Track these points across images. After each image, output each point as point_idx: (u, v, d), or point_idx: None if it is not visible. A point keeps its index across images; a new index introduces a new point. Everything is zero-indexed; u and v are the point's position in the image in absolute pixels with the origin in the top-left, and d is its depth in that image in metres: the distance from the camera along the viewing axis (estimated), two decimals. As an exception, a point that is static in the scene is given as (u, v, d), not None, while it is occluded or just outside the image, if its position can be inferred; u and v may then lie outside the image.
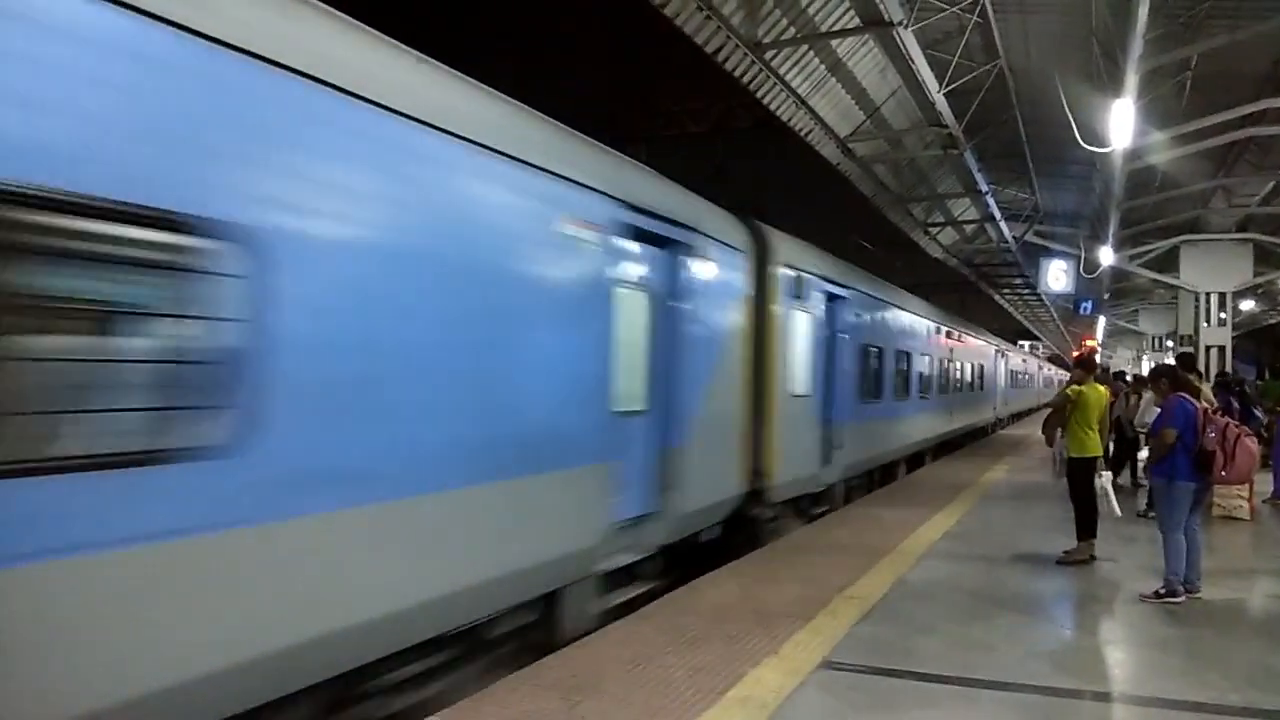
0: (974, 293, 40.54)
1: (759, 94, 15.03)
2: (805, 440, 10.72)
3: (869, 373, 13.86)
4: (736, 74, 14.13)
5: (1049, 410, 9.86)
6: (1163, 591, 7.21)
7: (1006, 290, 44.36)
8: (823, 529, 10.43)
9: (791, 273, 10.16)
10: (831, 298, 11.85)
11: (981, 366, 26.88)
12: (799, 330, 10.43)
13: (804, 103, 16.19)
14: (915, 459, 18.36)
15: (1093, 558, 8.62)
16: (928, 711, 4.80)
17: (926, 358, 18.39)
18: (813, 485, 11.18)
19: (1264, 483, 12.37)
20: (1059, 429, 9.06)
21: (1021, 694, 5.07)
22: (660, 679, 5.10)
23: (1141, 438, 12.14)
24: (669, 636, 5.90)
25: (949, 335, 20.53)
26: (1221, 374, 17.40)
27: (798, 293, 10.30)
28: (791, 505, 10.61)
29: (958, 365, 22.52)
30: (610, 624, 6.25)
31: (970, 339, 24.70)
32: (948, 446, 21.66)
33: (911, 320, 17.18)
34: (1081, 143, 14.14)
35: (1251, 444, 7.62)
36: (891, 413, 15.45)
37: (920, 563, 8.47)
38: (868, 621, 6.43)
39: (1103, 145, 14.00)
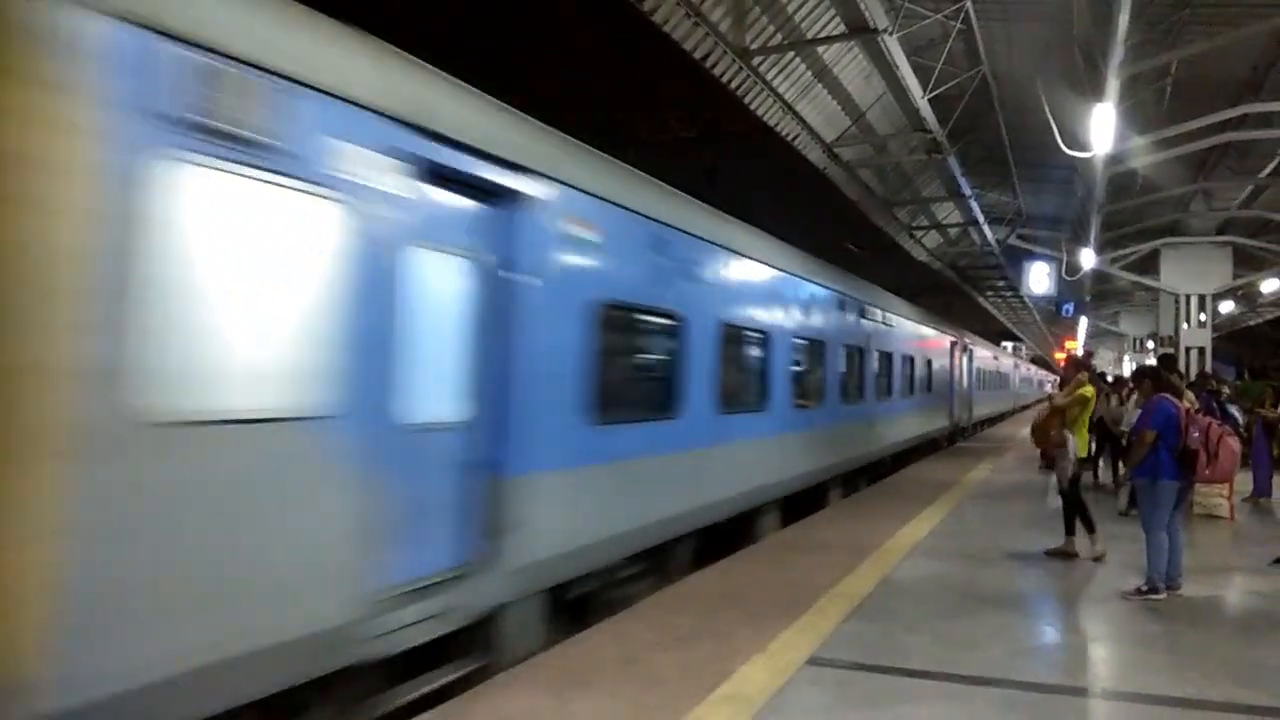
0: (958, 295, 40.82)
1: (747, 100, 15.14)
2: (311, 537, 4.13)
3: (635, 364, 7.88)
4: (724, 80, 14.23)
5: (1048, 411, 9.38)
6: (1144, 589, 7.32)
7: (990, 292, 44.73)
8: (807, 530, 10.48)
9: (125, 35, 3.34)
10: (483, 194, 5.45)
11: (929, 362, 20.28)
12: (229, 244, 3.76)
13: (791, 108, 16.33)
14: (801, 501, 11.48)
15: (1077, 554, 8.82)
16: (914, 708, 4.87)
17: (810, 344, 11.88)
18: (342, 652, 4.25)
19: (1244, 482, 12.51)
20: (1063, 429, 9.00)
21: (1006, 690, 5.14)
22: (650, 676, 5.17)
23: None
24: (659, 634, 5.97)
25: (864, 314, 14.51)
26: (1201, 374, 17.61)
27: (215, 123, 3.65)
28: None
29: (884, 359, 15.90)
30: (602, 622, 6.30)
31: (907, 323, 18.16)
32: (869, 470, 15.40)
33: (769, 279, 10.33)
34: (1063, 147, 14.32)
35: (1234, 443, 7.75)
36: (713, 436, 8.69)
37: (906, 561, 8.56)
38: (854, 619, 6.50)
39: (1084, 150, 14.19)
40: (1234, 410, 12.71)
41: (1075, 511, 8.97)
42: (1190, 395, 10.46)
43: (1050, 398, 9.61)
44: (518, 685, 4.98)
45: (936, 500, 12.69)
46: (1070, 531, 8.92)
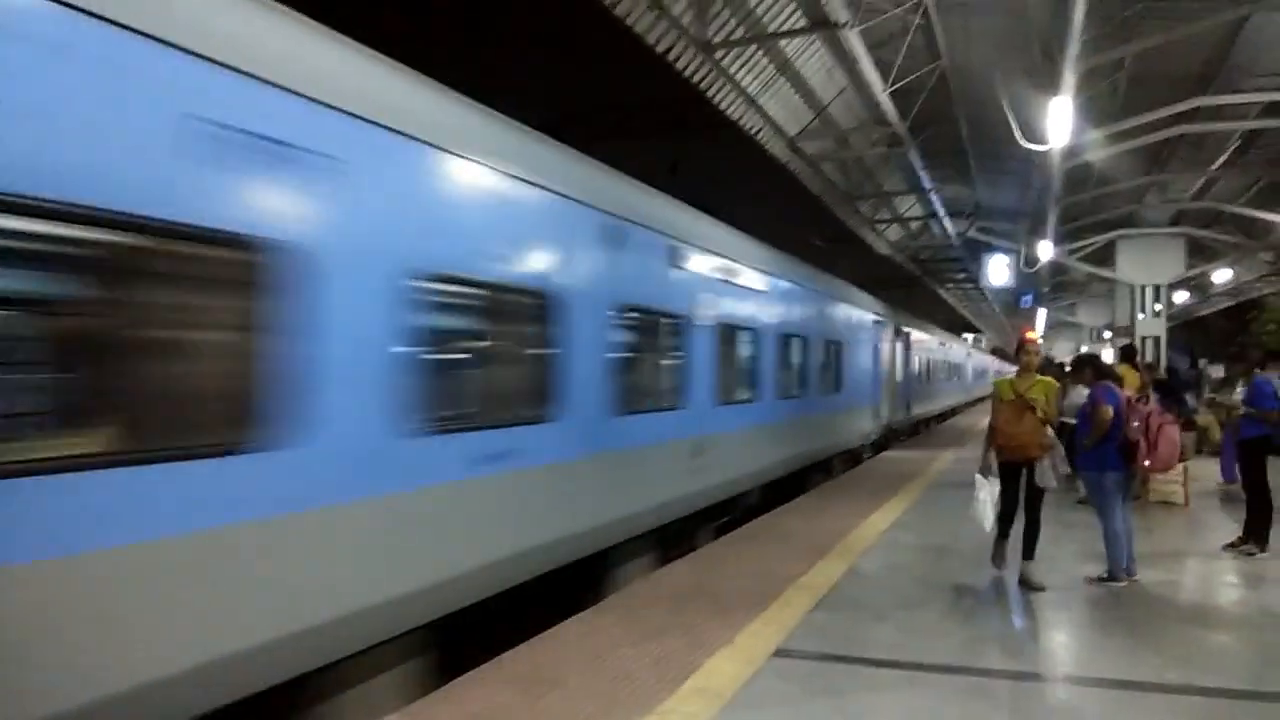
0: (920, 287, 41.20)
1: (709, 93, 15.15)
2: None
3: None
4: (687, 73, 14.23)
5: (1022, 411, 7.49)
6: (1105, 576, 7.46)
7: (950, 284, 45.19)
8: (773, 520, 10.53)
9: None
10: None
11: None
12: None
13: (753, 102, 16.36)
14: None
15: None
16: (879, 696, 4.92)
17: None
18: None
19: (1201, 468, 12.74)
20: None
21: (971, 677, 5.23)
22: (620, 670, 5.17)
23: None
24: (628, 628, 5.98)
25: None
26: (1148, 366, 17.88)
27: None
28: None
29: None
30: (572, 616, 6.29)
31: None
32: None
33: None
34: (1021, 140, 14.50)
35: (1173, 432, 7.85)
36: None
37: (871, 551, 8.64)
38: (821, 609, 6.56)
39: (1041, 143, 14.36)
40: (1188, 398, 12.95)
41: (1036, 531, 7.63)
42: (1137, 380, 10.64)
43: (1014, 394, 7.57)
44: (486, 683, 4.96)
45: (901, 490, 12.82)
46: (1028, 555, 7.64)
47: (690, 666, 5.25)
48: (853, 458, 17.21)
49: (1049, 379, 7.80)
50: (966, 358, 41.29)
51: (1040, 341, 8.79)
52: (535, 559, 6.25)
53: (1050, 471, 7.37)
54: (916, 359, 24.78)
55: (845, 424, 16.14)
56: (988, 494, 7.59)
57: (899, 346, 21.65)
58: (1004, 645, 5.97)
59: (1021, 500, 7.64)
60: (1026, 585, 7.36)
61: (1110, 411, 7.51)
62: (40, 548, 3.25)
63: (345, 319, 4.56)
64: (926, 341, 27.16)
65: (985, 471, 7.68)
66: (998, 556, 7.79)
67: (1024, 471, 7.52)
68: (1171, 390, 12.57)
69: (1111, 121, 16.02)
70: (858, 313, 17.18)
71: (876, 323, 18.73)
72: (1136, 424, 7.53)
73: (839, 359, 15.41)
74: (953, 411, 35.29)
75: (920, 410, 25.87)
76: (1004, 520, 7.69)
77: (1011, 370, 10.45)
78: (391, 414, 4.87)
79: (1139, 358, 14.60)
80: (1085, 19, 11.13)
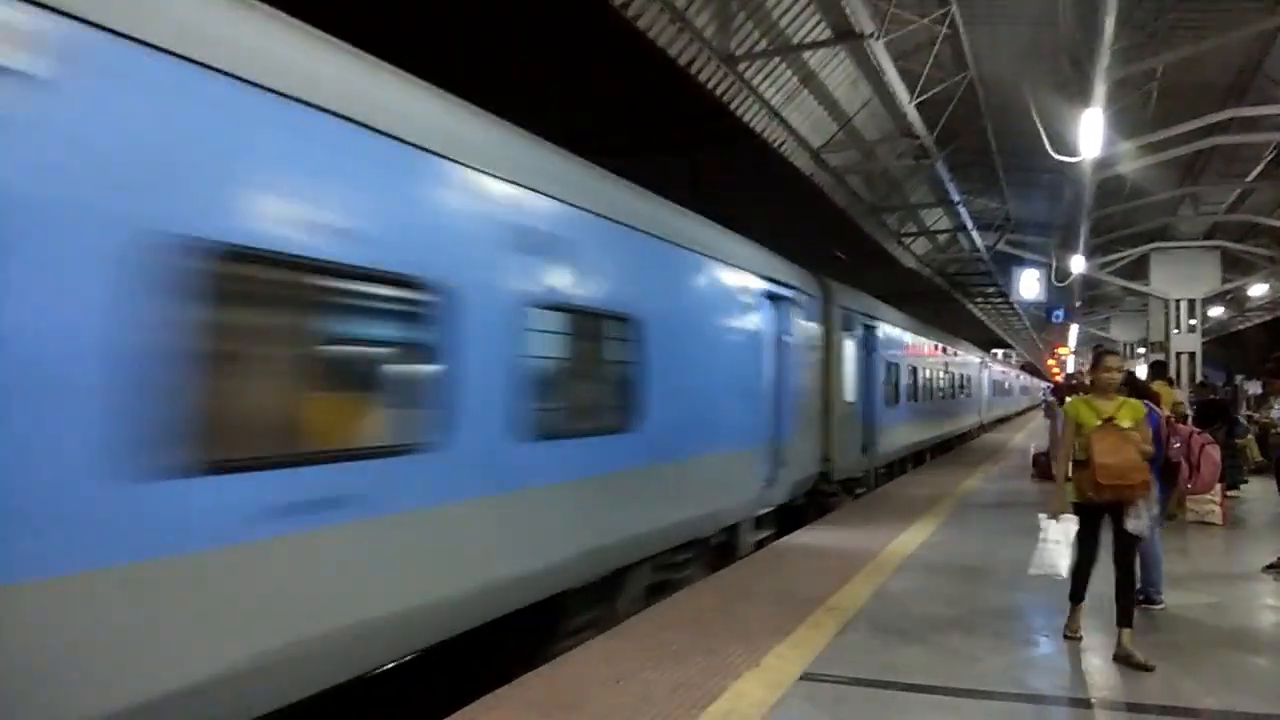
0: (949, 302, 40.87)
1: (732, 106, 15.08)
2: None
3: None
4: (710, 86, 14.16)
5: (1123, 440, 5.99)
6: (1142, 599, 7.24)
7: (980, 299, 44.80)
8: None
9: None
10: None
11: None
12: None
13: (777, 114, 16.27)
14: None
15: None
16: (911, 722, 4.78)
17: None
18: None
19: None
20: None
21: (1003, 702, 5.07)
22: (642, 695, 5.05)
23: None
24: (649, 651, 5.86)
25: None
26: (1200, 385, 17.51)
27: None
28: None
29: None
30: (592, 639, 6.19)
31: None
32: None
33: None
34: (1051, 152, 14.31)
35: (1215, 453, 7.63)
36: None
37: (899, 572, 8.47)
38: (849, 632, 6.41)
39: (1072, 154, 14.17)
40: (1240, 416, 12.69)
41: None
42: (1179, 397, 10.41)
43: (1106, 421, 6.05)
44: (504, 707, 4.86)
45: (928, 511, 12.62)
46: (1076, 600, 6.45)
47: (715, 690, 5.12)
48: (721, 551, 9.40)
49: (1135, 400, 6.41)
50: (980, 368, 33.49)
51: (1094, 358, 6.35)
52: None
53: (1146, 514, 6.00)
54: (891, 367, 17.26)
55: (665, 492, 7.77)
56: (1061, 535, 6.30)
57: (851, 345, 14.23)
58: (1040, 669, 5.80)
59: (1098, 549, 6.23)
60: (1127, 662, 5.74)
61: (1150, 433, 7.31)
62: None
63: None
64: (909, 342, 19.59)
65: (1059, 513, 6.28)
66: (1073, 624, 6.38)
67: (1107, 514, 6.09)
68: (1224, 409, 12.29)
69: (1143, 133, 15.80)
70: (716, 269, 8.93)
71: (777, 298, 10.58)
72: (1177, 445, 7.32)
73: (641, 357, 7.16)
74: (962, 437, 28.91)
75: (895, 445, 17.83)
76: (1083, 575, 6.29)
77: (1041, 386, 10.39)
78: None
79: (1170, 373, 14.35)
80: (1115, 29, 10.97)
